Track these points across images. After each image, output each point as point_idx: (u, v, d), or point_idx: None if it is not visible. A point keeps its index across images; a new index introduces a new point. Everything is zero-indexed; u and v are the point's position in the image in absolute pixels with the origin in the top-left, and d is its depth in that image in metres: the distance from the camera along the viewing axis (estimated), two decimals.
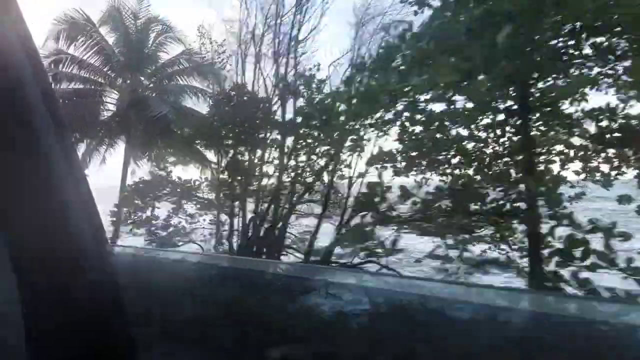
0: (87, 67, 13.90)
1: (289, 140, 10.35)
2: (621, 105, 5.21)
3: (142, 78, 14.74)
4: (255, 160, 11.37)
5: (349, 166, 9.63)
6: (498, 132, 6.15)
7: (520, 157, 5.85)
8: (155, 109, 11.88)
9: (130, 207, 10.88)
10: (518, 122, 5.82)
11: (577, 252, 4.42)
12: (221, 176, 11.51)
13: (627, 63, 5.00)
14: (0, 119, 0.83)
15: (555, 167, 5.93)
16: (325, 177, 9.94)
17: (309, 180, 9.99)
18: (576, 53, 5.32)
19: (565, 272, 4.67)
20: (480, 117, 6.15)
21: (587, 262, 4.37)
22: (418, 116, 6.38)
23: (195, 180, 11.42)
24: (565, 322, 0.99)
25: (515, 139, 6.06)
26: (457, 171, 6.75)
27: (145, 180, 11.11)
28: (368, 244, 6.68)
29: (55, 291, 0.99)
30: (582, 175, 5.89)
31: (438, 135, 6.50)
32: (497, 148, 6.34)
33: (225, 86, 12.86)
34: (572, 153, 5.82)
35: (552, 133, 5.90)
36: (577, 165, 5.88)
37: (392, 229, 9.02)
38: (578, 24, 4.93)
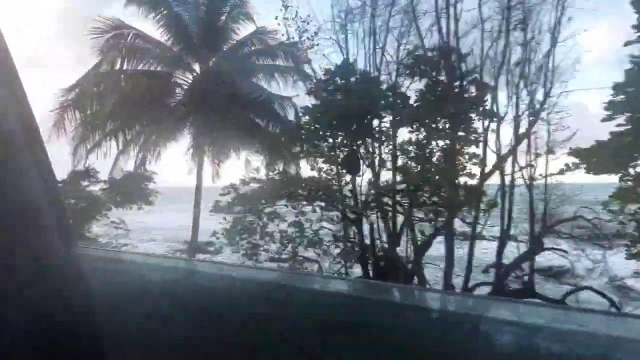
0: (158, 45, 11.73)
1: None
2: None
3: (220, 58, 12.42)
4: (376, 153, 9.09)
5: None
6: None
7: None
8: (252, 92, 9.64)
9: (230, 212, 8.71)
10: None
11: None
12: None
13: None
14: None
15: None
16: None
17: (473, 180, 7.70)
18: None
19: None
20: None
21: None
22: None
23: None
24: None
25: None
26: None
27: (266, 180, 8.87)
28: None
29: (20, 290, 1.02)
30: None
31: None
32: None
33: (321, 68, 10.39)
34: None
35: None
36: None
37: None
38: None
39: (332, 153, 9.09)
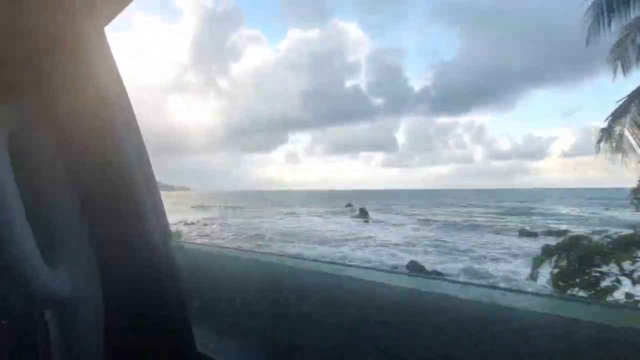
0: None
1: None
2: None
3: None
4: None
5: None
6: None
7: None
8: None
9: None
10: None
11: None
12: None
13: None
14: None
15: None
16: None
17: None
18: None
19: None
20: None
21: None
22: None
23: None
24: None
25: None
26: None
27: None
28: None
29: (128, 279, 1.26)
30: None
31: None
32: None
33: None
34: None
35: None
36: None
37: None
38: None
39: None
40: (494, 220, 32.99)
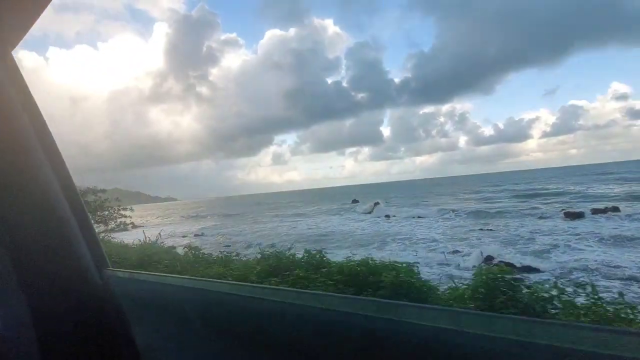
0: None
1: None
2: None
3: None
4: None
5: None
6: None
7: None
8: None
9: None
10: None
11: None
12: None
13: None
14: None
15: None
16: None
17: None
18: None
19: None
20: None
21: None
22: None
23: None
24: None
25: None
26: None
27: None
28: None
29: (56, 311, 1.22)
30: None
31: None
32: None
33: None
34: None
35: None
36: None
37: None
38: None
39: None
40: (518, 204, 31.00)
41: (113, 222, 15.48)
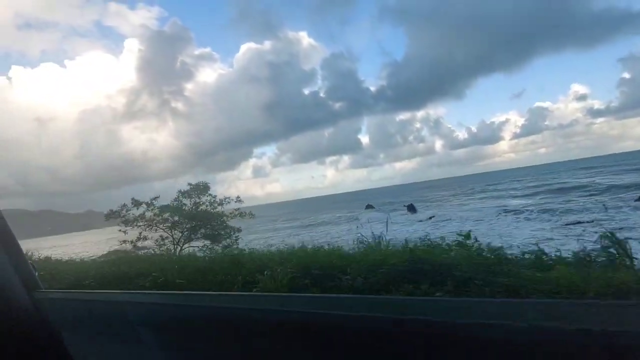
0: None
1: None
2: None
3: None
4: None
5: None
6: None
7: None
8: None
9: None
10: None
11: None
12: None
13: None
14: None
15: None
16: None
17: None
18: None
19: None
20: None
21: None
22: None
23: None
24: None
25: None
26: None
27: None
28: None
29: None
30: None
31: None
32: None
33: None
34: None
35: None
36: None
37: None
38: None
39: None
40: (567, 198, 27.94)
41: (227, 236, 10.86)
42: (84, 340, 1.36)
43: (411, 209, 28.77)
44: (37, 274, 1.40)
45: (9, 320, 1.17)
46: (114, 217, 11.80)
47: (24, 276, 1.30)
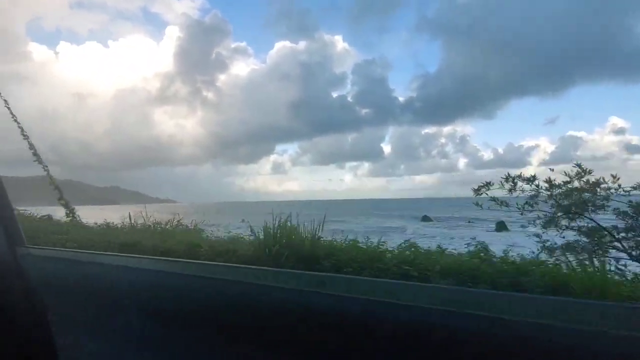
0: None
1: None
2: None
3: None
4: None
5: None
6: None
7: None
8: None
9: None
10: None
11: None
12: None
13: None
14: None
15: None
16: None
17: None
18: None
19: None
20: None
21: None
22: None
23: None
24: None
25: None
26: None
27: None
28: None
29: None
30: None
31: None
32: None
33: None
34: None
35: None
36: None
37: None
38: None
39: None
40: None
41: None
42: (62, 299, 1.32)
43: (501, 226, 23.51)
44: (22, 230, 1.36)
45: None
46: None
47: (9, 231, 1.28)
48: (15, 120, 6.67)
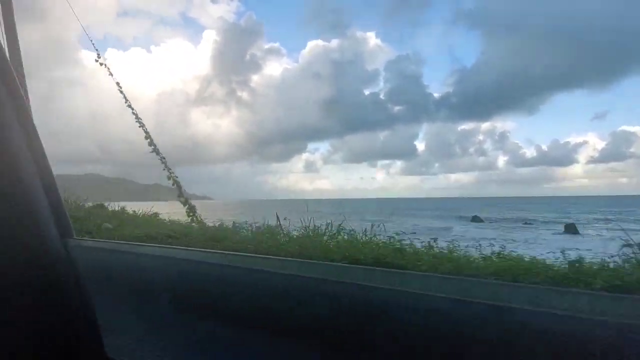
0: None
1: None
2: None
3: None
4: None
5: None
6: None
7: None
8: None
9: None
10: None
11: None
12: None
13: None
14: None
15: None
16: None
17: None
18: None
19: None
20: None
21: None
22: None
23: None
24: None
25: None
26: None
27: None
28: None
29: (16, 281, 1.11)
30: None
31: None
32: None
33: None
34: None
35: None
36: None
37: None
38: None
39: None
40: None
41: None
42: (106, 286, 1.36)
43: (571, 229, 21.92)
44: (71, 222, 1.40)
45: (41, 263, 1.18)
46: None
47: (60, 222, 1.30)
48: (141, 126, 7.27)
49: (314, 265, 1.05)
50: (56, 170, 1.34)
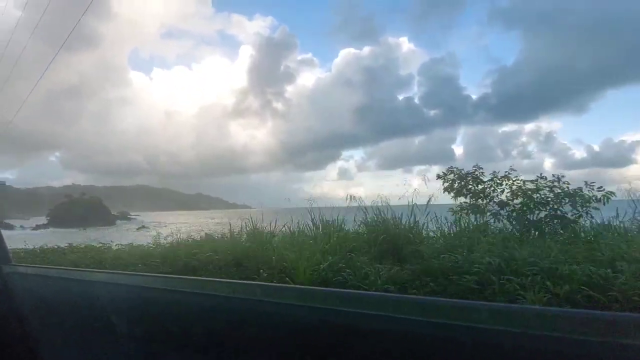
0: None
1: None
2: None
3: None
4: None
5: None
6: None
7: None
8: None
9: None
10: None
11: None
12: None
13: None
14: None
15: None
16: None
17: None
18: None
19: None
20: None
21: None
22: None
23: None
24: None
25: None
26: None
27: None
28: None
29: None
30: None
31: None
32: None
33: None
34: None
35: None
36: None
37: None
38: None
39: None
40: None
41: None
42: (48, 317, 1.30)
43: None
44: (8, 247, 1.34)
45: None
46: None
47: None
48: None
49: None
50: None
